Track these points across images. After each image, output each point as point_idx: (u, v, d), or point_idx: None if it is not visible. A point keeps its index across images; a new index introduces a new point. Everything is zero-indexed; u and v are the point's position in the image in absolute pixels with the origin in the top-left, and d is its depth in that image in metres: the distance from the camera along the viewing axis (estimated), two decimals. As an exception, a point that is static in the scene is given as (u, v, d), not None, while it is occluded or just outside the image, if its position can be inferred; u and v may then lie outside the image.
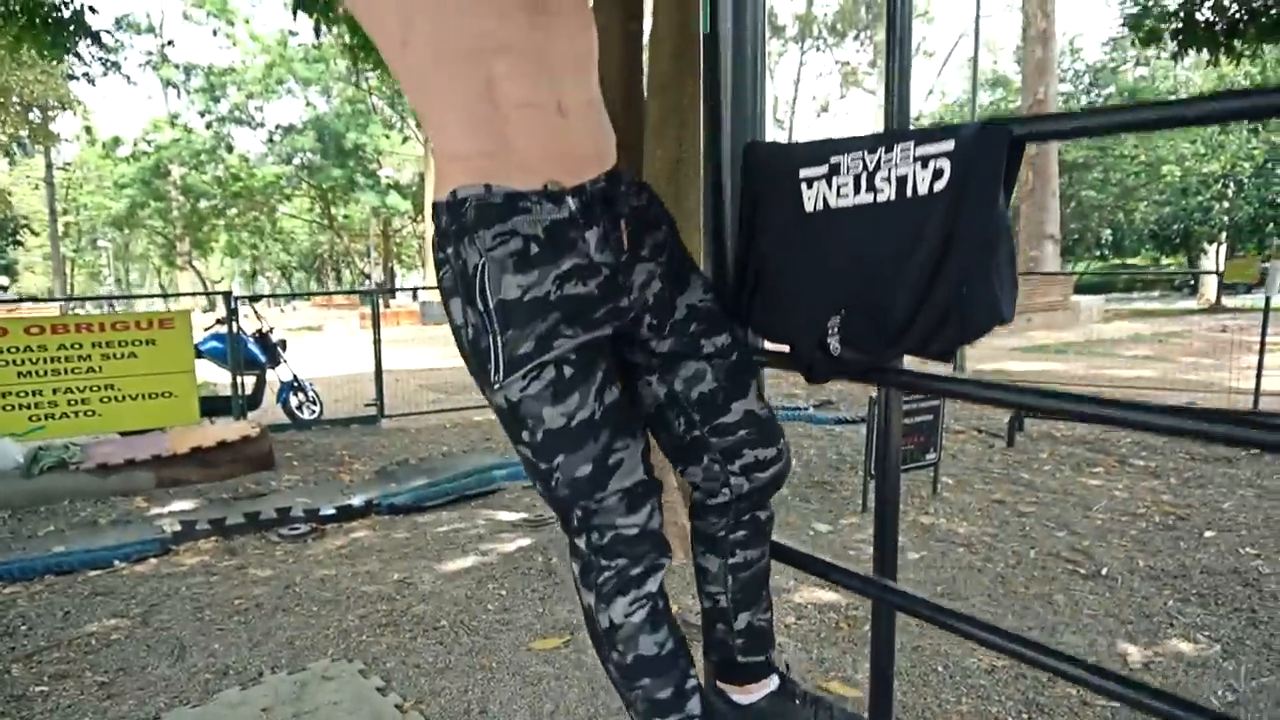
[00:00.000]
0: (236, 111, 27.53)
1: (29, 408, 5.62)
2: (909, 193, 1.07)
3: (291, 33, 27.73)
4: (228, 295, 6.44)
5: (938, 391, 1.18)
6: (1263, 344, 6.54)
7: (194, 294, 6.83)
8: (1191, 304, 24.57)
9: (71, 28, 5.76)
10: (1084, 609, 2.96)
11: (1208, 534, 3.71)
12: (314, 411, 7.18)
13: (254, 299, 6.97)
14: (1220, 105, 0.82)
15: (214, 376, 7.37)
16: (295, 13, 4.74)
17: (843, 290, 1.17)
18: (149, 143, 28.83)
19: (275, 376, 7.09)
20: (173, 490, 4.97)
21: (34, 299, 18.98)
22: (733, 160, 1.30)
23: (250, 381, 6.84)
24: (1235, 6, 6.20)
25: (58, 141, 23.60)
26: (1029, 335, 13.03)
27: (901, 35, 1.27)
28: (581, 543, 1.13)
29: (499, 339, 1.06)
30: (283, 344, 7.23)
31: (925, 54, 31.16)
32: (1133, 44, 7.58)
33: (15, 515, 4.59)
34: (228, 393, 6.81)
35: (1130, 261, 33.31)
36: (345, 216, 32.32)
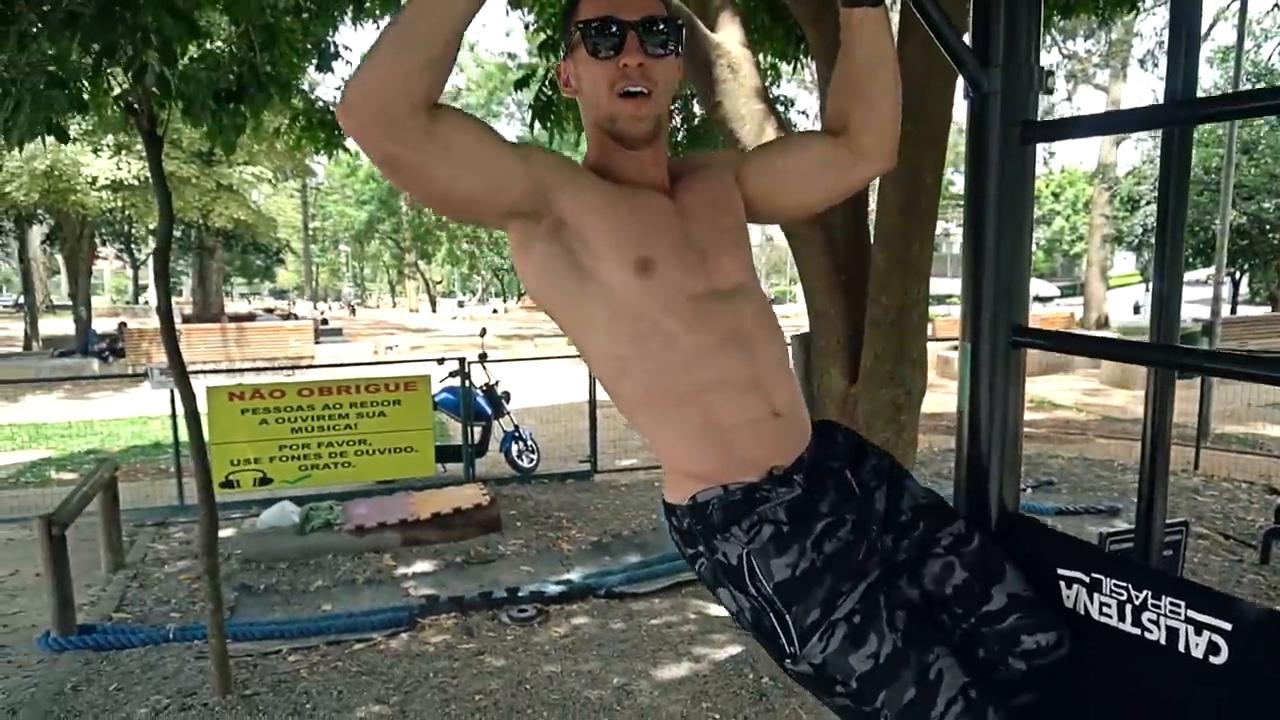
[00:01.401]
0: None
1: (299, 459, 6.47)
2: (1180, 648, 1.09)
3: (511, 55, 29.50)
4: (462, 361, 7.08)
5: None
6: None
7: (438, 359, 7.68)
8: None
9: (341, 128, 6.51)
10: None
11: None
12: (533, 460, 7.71)
13: (483, 359, 7.57)
14: None
15: (447, 426, 8.09)
16: (533, 125, 5.14)
17: (1113, 703, 1.20)
18: (355, 155, 31.67)
19: (499, 426, 7.70)
20: (415, 550, 5.55)
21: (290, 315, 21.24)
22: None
23: (478, 431, 7.47)
24: None
25: (313, 174, 26.48)
26: (1289, 384, 11.58)
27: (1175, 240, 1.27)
28: None
29: (785, 617, 1.14)
30: (506, 396, 7.82)
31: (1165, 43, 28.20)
32: None
33: (291, 567, 5.32)
34: (458, 441, 7.47)
35: None
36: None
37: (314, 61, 5.90)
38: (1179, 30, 1.21)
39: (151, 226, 20.36)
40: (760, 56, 5.58)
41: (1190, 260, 24.32)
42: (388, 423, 6.61)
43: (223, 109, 3.96)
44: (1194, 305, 18.16)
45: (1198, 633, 1.07)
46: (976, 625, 1.23)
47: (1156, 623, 1.12)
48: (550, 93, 5.10)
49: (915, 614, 1.18)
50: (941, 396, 8.27)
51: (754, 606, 1.17)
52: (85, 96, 3.31)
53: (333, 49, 6.48)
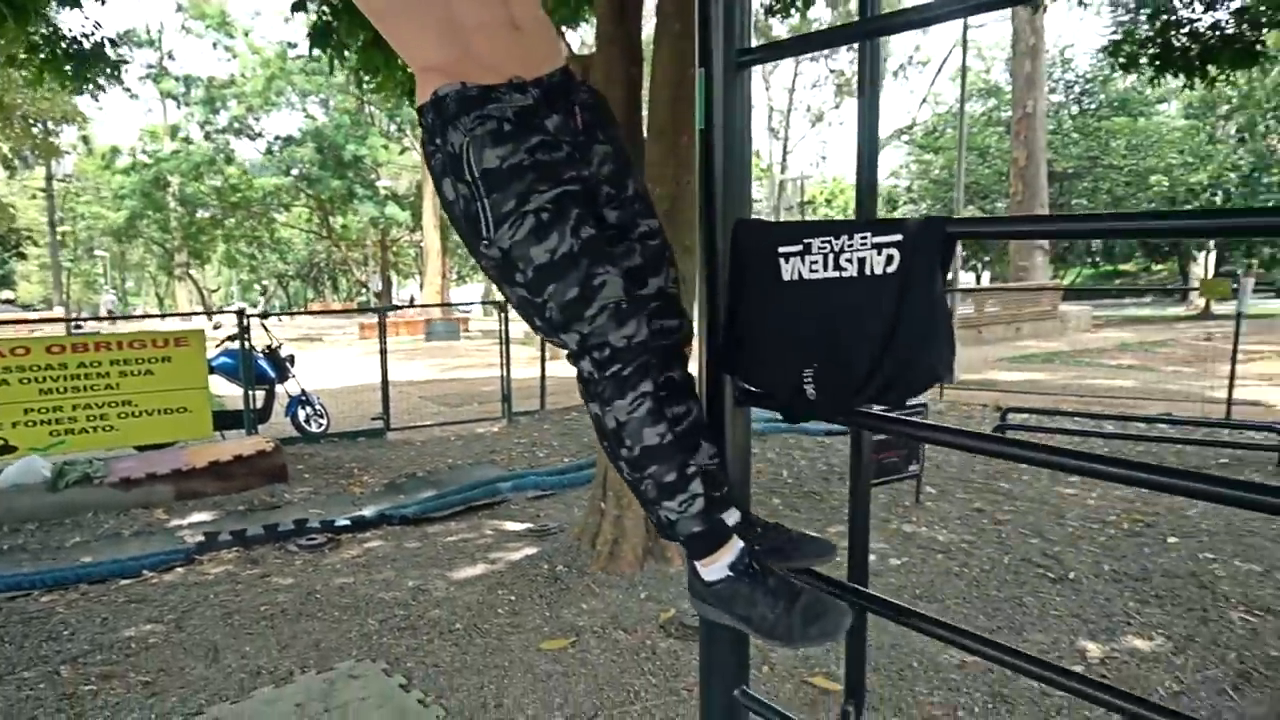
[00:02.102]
0: (236, 123, 27.73)
1: (50, 423, 5.85)
2: (867, 271, 1.31)
3: (290, 44, 27.97)
4: (240, 313, 6.67)
5: (894, 433, 1.43)
6: (1234, 356, 6.80)
7: (207, 313, 6.97)
8: (1182, 309, 24.92)
9: (93, 60, 5.99)
10: (1050, 610, 3.20)
11: (1171, 539, 3.96)
12: (321, 425, 7.40)
13: (264, 316, 7.17)
14: (1130, 224, 1.05)
15: (225, 391, 7.58)
16: (311, 49, 4.98)
17: (814, 347, 1.41)
18: (148, 154, 29.02)
19: (284, 391, 7.32)
20: (191, 503, 5.19)
21: (48, 319, 19.10)
22: (723, 235, 1.54)
23: (260, 396, 7.06)
24: (1210, 34, 6.48)
25: (60, 155, 23.79)
26: (1018, 345, 13.30)
27: (870, 134, 1.52)
28: (585, 364, 1.30)
29: (486, 202, 1.27)
30: (291, 359, 7.45)
31: (920, 64, 31.51)
32: (1112, 68, 7.85)
33: (42, 527, 4.81)
34: (238, 407, 7.04)
35: (1121, 268, 33.68)
36: (343, 226, 32.54)
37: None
38: (861, 163, 1.45)
39: None
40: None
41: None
42: (156, 381, 6.11)
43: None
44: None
45: (879, 253, 1.29)
46: None
47: (851, 259, 1.33)
48: (329, 16, 4.97)
49: (600, 236, 1.32)
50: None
51: (465, 194, 1.29)
52: None
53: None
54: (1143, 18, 7.17)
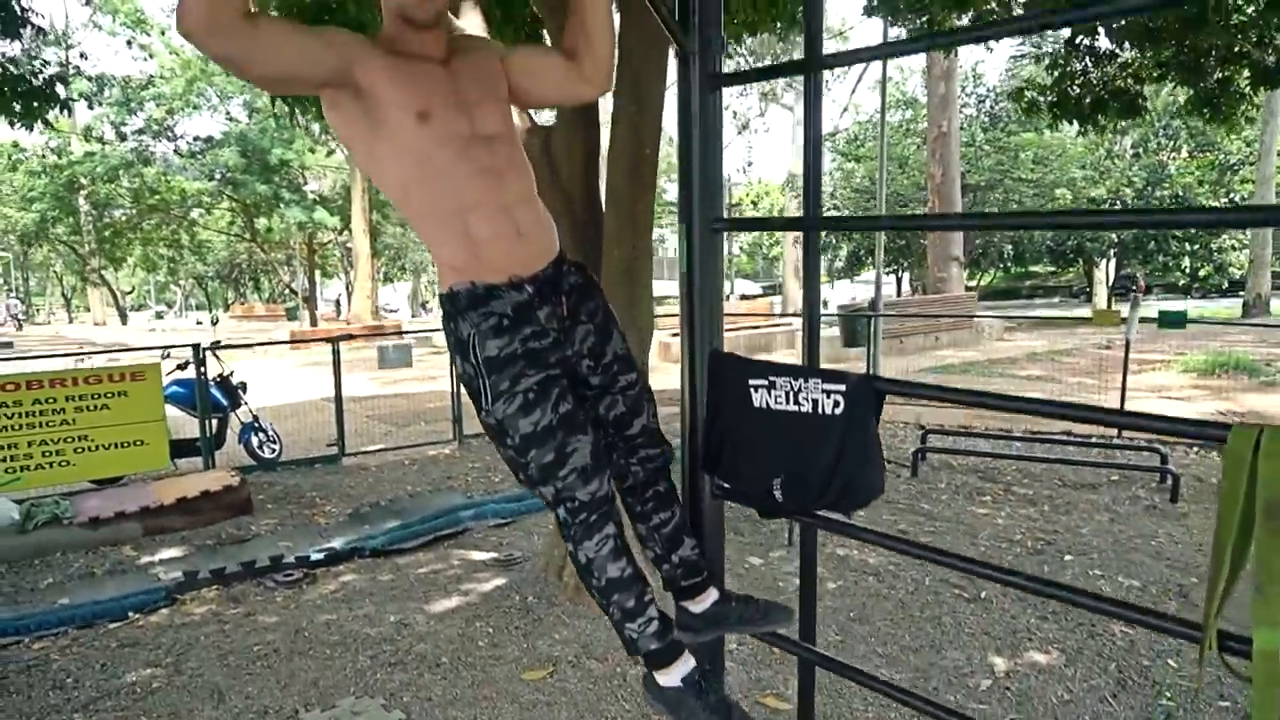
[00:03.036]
0: (154, 125, 26.93)
1: (5, 460, 5.92)
2: (820, 410, 1.72)
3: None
4: (196, 347, 6.80)
5: (844, 534, 1.84)
6: (1125, 372, 7.54)
7: (164, 347, 6.97)
8: (1087, 311, 26.44)
9: (43, 98, 6.05)
10: (965, 628, 3.70)
11: (1067, 558, 4.53)
12: (274, 450, 7.55)
13: (218, 346, 7.29)
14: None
15: (176, 420, 7.65)
16: (273, 101, 5.18)
17: (780, 463, 1.81)
18: (57, 154, 27.95)
19: (236, 418, 7.46)
20: (159, 538, 5.35)
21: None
22: (701, 362, 1.92)
23: (214, 423, 7.19)
24: (1099, 87, 7.16)
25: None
26: (937, 354, 14.10)
27: (815, 153, 1.92)
28: (560, 511, 1.70)
29: (486, 381, 1.65)
30: (243, 386, 7.59)
31: (841, 75, 32.49)
32: (1016, 113, 8.51)
33: (14, 569, 4.93)
34: (191, 435, 7.15)
35: (1032, 269, 35.42)
36: (268, 230, 31.93)
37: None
38: (808, 165, 1.84)
39: None
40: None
41: (862, 259, 28.17)
42: (113, 416, 6.22)
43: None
44: (869, 293, 21.18)
45: (828, 397, 1.70)
46: (617, 439, 1.85)
47: (806, 398, 1.74)
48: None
49: (575, 410, 1.71)
50: (663, 377, 9.19)
51: (470, 371, 1.67)
52: None
53: (18, 11, 6.02)
54: (1041, 66, 7.85)
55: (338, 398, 7.33)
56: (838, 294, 33.86)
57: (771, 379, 1.84)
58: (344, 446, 7.42)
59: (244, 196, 27.05)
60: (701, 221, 1.89)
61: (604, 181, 4.07)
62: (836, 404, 1.70)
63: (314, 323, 29.26)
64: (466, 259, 1.66)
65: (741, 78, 2.03)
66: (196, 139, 27.72)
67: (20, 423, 5.94)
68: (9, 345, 20.63)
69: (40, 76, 6.11)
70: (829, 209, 27.68)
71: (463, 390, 1.74)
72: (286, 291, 35.63)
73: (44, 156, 28.08)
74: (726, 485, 2.00)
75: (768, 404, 1.83)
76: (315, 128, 28.98)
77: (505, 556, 4.88)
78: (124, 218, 30.65)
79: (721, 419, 1.94)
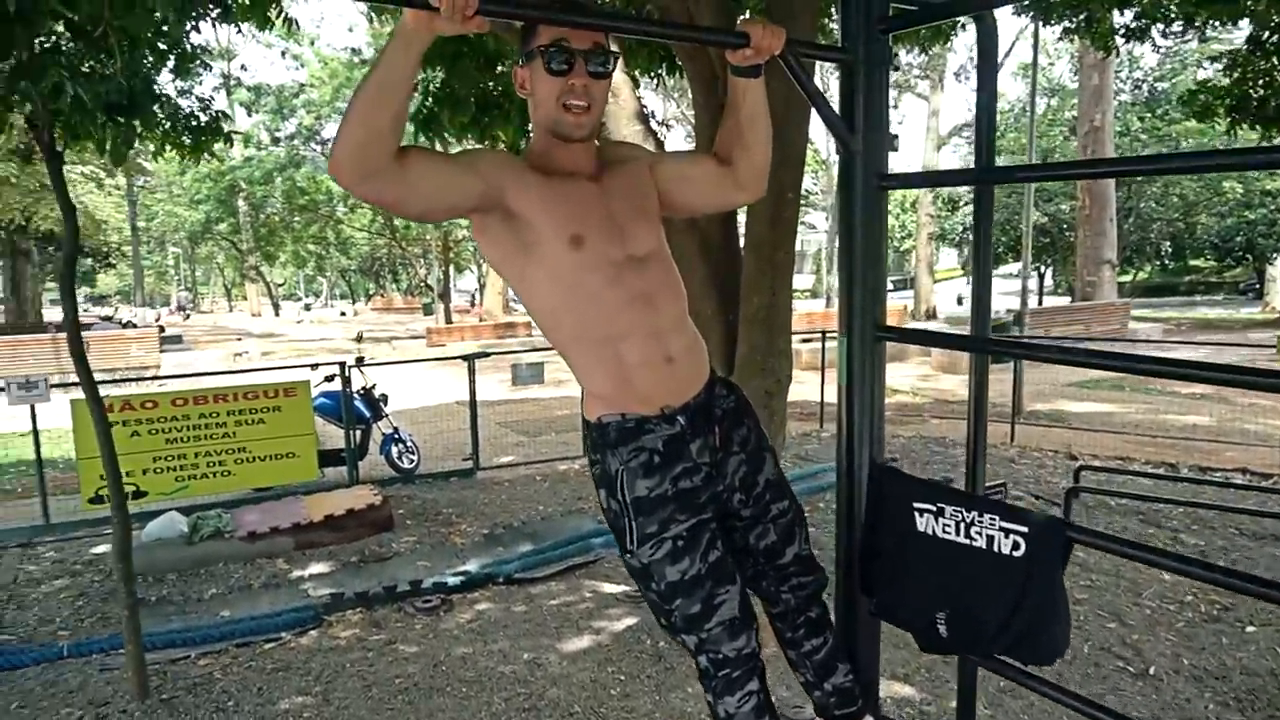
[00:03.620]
0: (304, 131, 28.57)
1: (175, 470, 6.38)
2: (995, 549, 1.57)
3: (355, 50, 28.68)
4: (342, 365, 7.14)
5: (1019, 682, 1.69)
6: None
7: (313, 365, 7.53)
8: (1256, 310, 24.21)
9: (209, 134, 6.44)
10: (1132, 711, 3.41)
11: (1250, 629, 4.11)
12: (413, 460, 7.84)
13: (360, 362, 7.62)
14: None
15: (324, 430, 8.07)
16: (417, 135, 5.35)
17: (947, 596, 1.68)
18: (220, 160, 30.06)
19: (378, 429, 7.79)
20: (309, 553, 5.63)
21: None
22: (861, 474, 1.80)
23: (358, 434, 7.54)
24: (1290, 86, 6.47)
25: (144, 172, 24.89)
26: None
27: (984, 259, 1.77)
28: (702, 660, 1.64)
29: (633, 522, 1.59)
30: (384, 398, 7.91)
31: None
32: (1176, 99, 7.85)
33: (182, 578, 5.30)
34: (336, 445, 7.51)
35: (1193, 263, 32.82)
36: (406, 227, 33.33)
37: (170, 65, 5.86)
38: (981, 115, 1.70)
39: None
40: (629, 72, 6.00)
41: (1002, 255, 26.81)
42: (268, 429, 6.61)
43: (113, 122, 3.98)
44: (1007, 297, 20.13)
45: (1006, 536, 1.55)
46: (767, 568, 1.76)
47: (980, 533, 1.60)
48: (433, 105, 5.32)
49: (725, 556, 1.62)
50: (797, 387, 8.97)
51: (616, 509, 1.60)
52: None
53: (190, 51, 6.39)
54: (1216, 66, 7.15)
55: (473, 413, 7.53)
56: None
57: (939, 505, 1.70)
58: (478, 461, 7.63)
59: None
60: (863, 329, 1.78)
61: (743, 226, 3.97)
62: (1016, 546, 1.55)
63: (448, 318, 30.34)
64: (616, 388, 1.60)
65: (909, 180, 1.88)
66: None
67: (188, 435, 6.39)
68: (178, 339, 22.31)
69: (207, 113, 6.50)
70: (964, 204, 26.45)
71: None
72: (423, 286, 37.15)
73: (209, 161, 30.31)
74: (883, 604, 1.88)
75: (934, 531, 1.70)
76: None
77: (636, 590, 4.86)
78: (277, 217, 32.72)
79: (882, 539, 1.82)
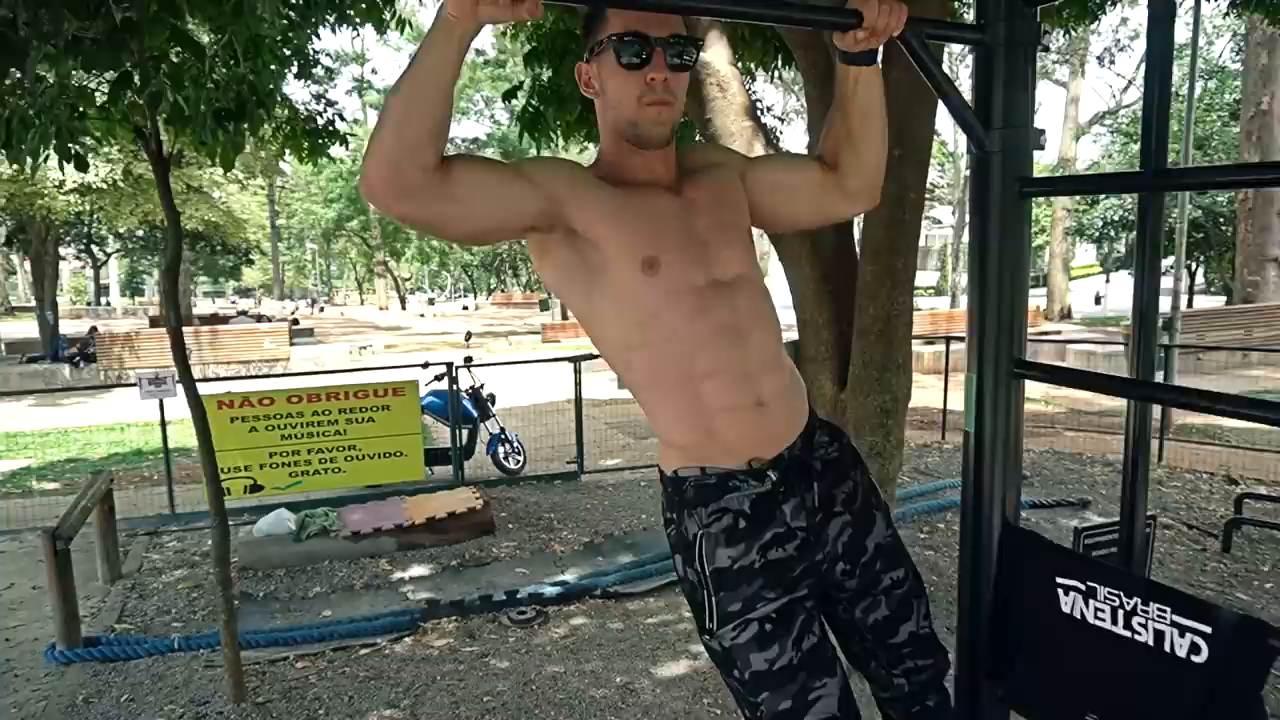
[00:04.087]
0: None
1: (289, 465, 6.53)
2: (1166, 649, 1.25)
3: (479, 51, 29.42)
4: (450, 365, 7.17)
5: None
6: None
7: (423, 364, 7.75)
8: None
9: (326, 136, 6.56)
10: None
11: None
12: (519, 461, 7.82)
13: (469, 361, 7.63)
14: None
15: (432, 428, 8.17)
16: (521, 136, 5.25)
17: (1101, 697, 1.36)
18: (354, 159, 31.42)
19: (485, 429, 7.80)
20: (410, 554, 5.64)
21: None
22: (989, 537, 1.50)
23: (465, 434, 7.57)
24: None
25: (283, 174, 26.27)
26: (1248, 374, 12.00)
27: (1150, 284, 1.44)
28: None
29: (713, 598, 1.33)
30: (491, 398, 7.92)
31: (1129, 41, 28.89)
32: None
33: (289, 574, 5.39)
34: (445, 444, 7.57)
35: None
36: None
37: (294, 70, 5.94)
38: (1149, 110, 1.37)
39: (120, 230, 20.10)
40: (739, 64, 5.73)
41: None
42: (377, 428, 6.69)
43: (223, 127, 4.02)
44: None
45: (1181, 635, 1.23)
46: (876, 646, 1.48)
47: (1145, 626, 1.28)
48: (538, 104, 5.20)
49: (823, 641, 1.35)
50: (918, 392, 8.46)
51: (694, 580, 1.35)
52: (91, 121, 3.37)
53: (312, 57, 6.52)
54: None
55: (578, 417, 7.43)
56: (1115, 291, 30.27)
57: (1090, 584, 1.39)
58: (583, 464, 7.53)
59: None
60: (997, 364, 1.47)
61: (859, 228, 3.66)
62: (1195, 649, 1.23)
63: (564, 313, 30.72)
64: (696, 438, 1.36)
65: (1056, 185, 1.57)
66: (464, 141, 30.09)
67: (302, 432, 6.53)
68: (310, 333, 23.41)
69: (324, 116, 6.62)
70: (1105, 201, 24.69)
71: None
72: (540, 282, 37.81)
73: (342, 161, 31.74)
74: (1017, 695, 1.58)
75: (1083, 614, 1.38)
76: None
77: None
78: (404, 214, 34.02)
79: (1015, 615, 1.52)
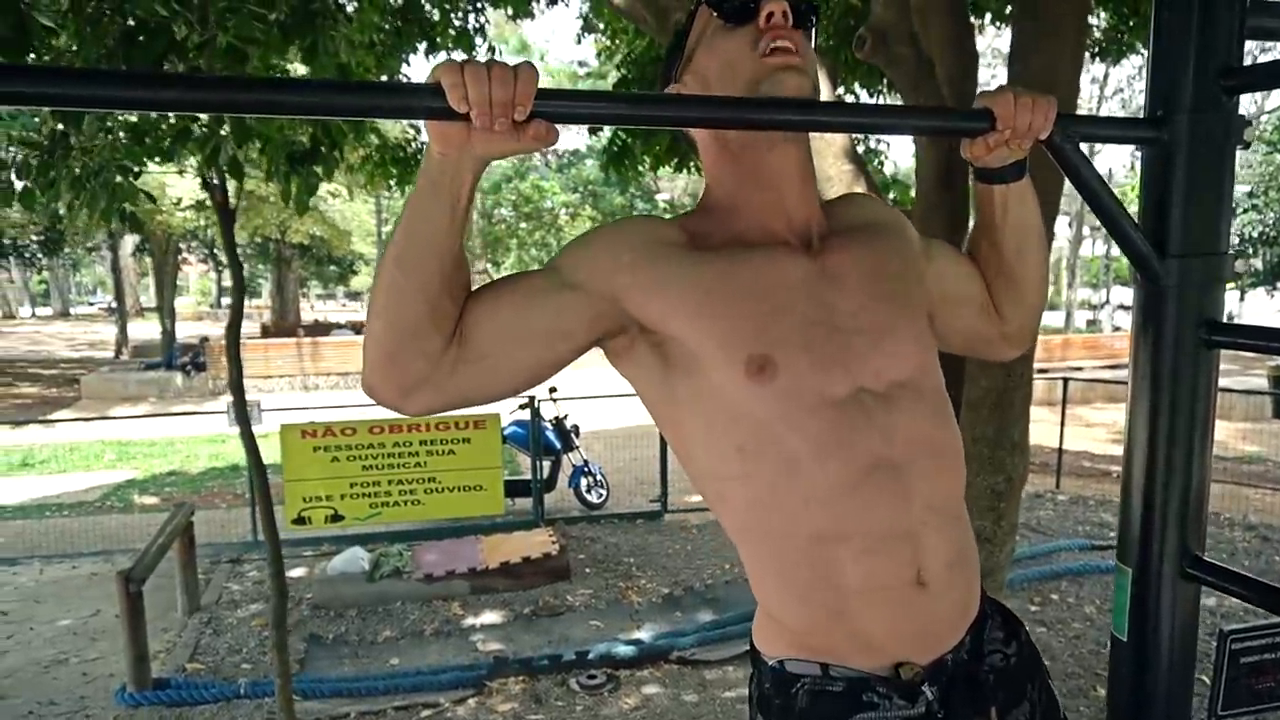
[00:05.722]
0: (532, 142, 29.97)
1: (369, 497, 6.47)
2: None
3: (581, 63, 29.61)
4: (532, 399, 7.01)
5: None
6: None
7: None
8: None
9: (415, 164, 6.51)
10: None
11: None
12: (601, 495, 7.60)
13: (553, 393, 7.44)
14: None
15: (517, 458, 8.04)
16: (606, 171, 5.04)
17: None
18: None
19: (568, 461, 7.61)
20: (483, 598, 5.47)
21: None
22: None
23: (547, 465, 7.40)
24: None
25: (389, 189, 27.09)
26: None
27: None
28: None
29: None
30: (575, 430, 7.73)
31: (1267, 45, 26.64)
32: None
33: (360, 615, 5.29)
34: (527, 474, 7.41)
35: None
36: (623, 235, 34.12)
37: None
38: None
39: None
40: (842, 87, 5.36)
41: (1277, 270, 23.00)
42: (457, 460, 6.56)
43: (296, 171, 3.92)
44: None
45: None
46: None
47: None
48: (625, 137, 4.98)
49: None
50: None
51: None
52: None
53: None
54: None
55: (663, 457, 7.14)
56: (1250, 310, 28.05)
57: None
58: (666, 503, 7.24)
59: (603, 208, 29.07)
60: (1162, 562, 1.11)
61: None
62: None
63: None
64: (816, 620, 0.96)
65: (1252, 335, 1.19)
66: (563, 153, 30.35)
67: (383, 463, 6.46)
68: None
69: (412, 145, 6.59)
70: (1242, 210, 22.86)
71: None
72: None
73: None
74: None
75: None
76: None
77: (823, 693, 4.23)
78: (503, 225, 34.55)
79: None
